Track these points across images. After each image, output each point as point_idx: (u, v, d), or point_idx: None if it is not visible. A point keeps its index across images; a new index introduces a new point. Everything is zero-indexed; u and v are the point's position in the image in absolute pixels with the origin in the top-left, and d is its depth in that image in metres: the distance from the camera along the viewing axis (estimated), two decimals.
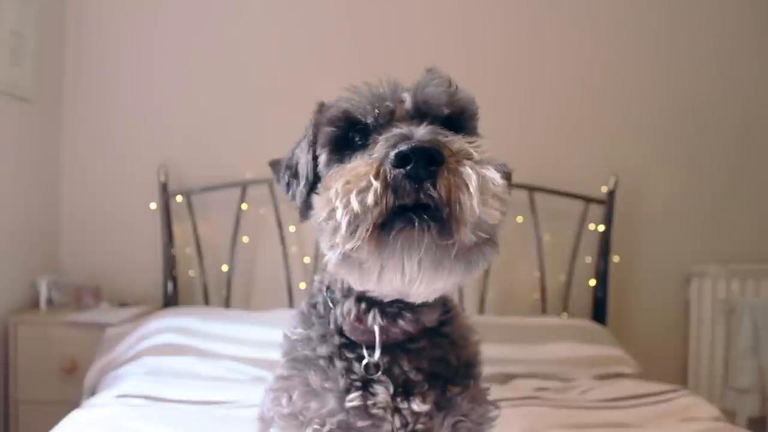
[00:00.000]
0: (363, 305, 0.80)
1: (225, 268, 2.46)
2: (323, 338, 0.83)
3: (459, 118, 0.78)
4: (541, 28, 2.60)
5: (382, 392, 0.79)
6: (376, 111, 0.74)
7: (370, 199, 0.63)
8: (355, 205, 0.63)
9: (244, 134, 2.52)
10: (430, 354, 0.82)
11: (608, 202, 2.46)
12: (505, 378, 1.93)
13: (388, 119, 0.75)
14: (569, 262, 2.49)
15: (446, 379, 0.82)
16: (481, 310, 2.45)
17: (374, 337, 0.80)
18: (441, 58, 2.81)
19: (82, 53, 2.53)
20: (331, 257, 0.68)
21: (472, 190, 0.63)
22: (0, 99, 2.14)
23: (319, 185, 0.75)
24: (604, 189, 2.48)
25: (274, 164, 0.92)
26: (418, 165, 0.63)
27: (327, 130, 0.79)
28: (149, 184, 2.44)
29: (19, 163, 2.28)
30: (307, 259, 2.48)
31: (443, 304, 0.87)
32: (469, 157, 0.66)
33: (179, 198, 2.46)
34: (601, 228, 2.47)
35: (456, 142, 0.67)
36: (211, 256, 2.49)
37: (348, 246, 0.65)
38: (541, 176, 2.44)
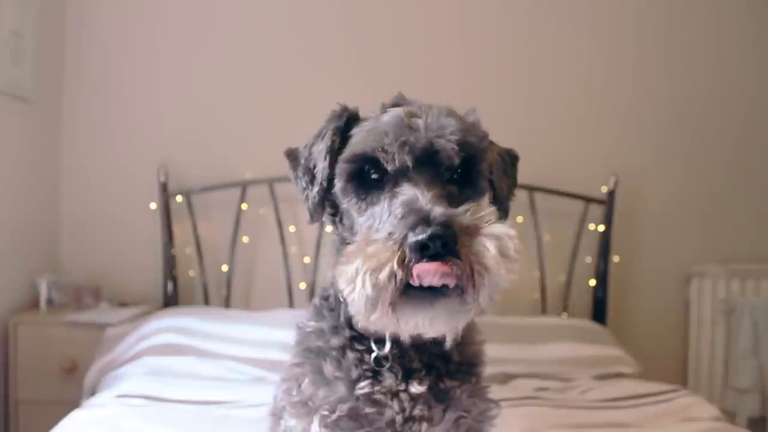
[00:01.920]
0: None
1: (225, 268, 2.46)
2: (335, 330, 0.87)
3: (471, 159, 0.82)
4: (541, 28, 2.59)
5: (388, 379, 0.83)
6: (396, 163, 0.78)
7: (384, 278, 0.69)
8: (368, 289, 0.69)
9: (244, 134, 2.52)
10: (433, 349, 0.85)
11: (608, 202, 2.46)
12: (505, 378, 1.94)
13: (403, 169, 0.78)
14: (569, 262, 2.49)
15: (445, 372, 0.85)
16: None
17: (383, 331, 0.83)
18: (441, 59, 2.82)
19: (82, 53, 2.52)
20: (359, 317, 0.74)
21: (491, 262, 0.70)
22: (0, 99, 2.14)
23: (337, 198, 0.84)
24: (604, 189, 2.48)
25: (291, 154, 0.93)
26: (438, 251, 0.68)
27: (344, 167, 0.82)
28: (149, 184, 2.44)
29: (19, 163, 2.28)
30: (307, 259, 2.48)
31: None
32: (483, 231, 0.71)
33: (179, 198, 2.46)
34: (601, 228, 2.47)
35: (467, 216, 0.71)
36: (211, 256, 2.49)
37: (373, 317, 0.71)
38: (541, 176, 2.44)
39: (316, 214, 0.88)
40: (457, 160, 0.80)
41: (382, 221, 0.75)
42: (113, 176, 2.52)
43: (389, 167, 0.78)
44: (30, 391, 2.14)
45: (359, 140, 0.82)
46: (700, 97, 2.61)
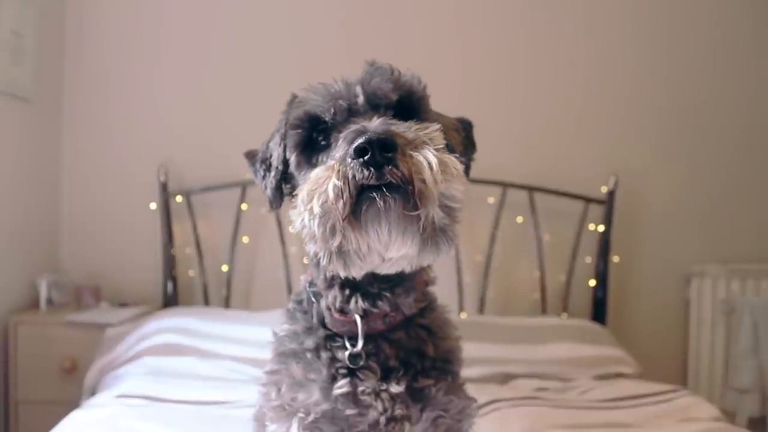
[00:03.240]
0: (347, 291, 0.84)
1: (225, 268, 2.46)
2: (309, 331, 0.87)
3: (410, 101, 0.83)
4: (541, 27, 2.59)
5: (370, 379, 0.81)
6: (332, 110, 0.79)
7: (331, 195, 0.68)
8: (316, 207, 0.69)
9: (244, 134, 2.50)
10: (407, 344, 0.85)
11: (608, 203, 2.46)
12: (505, 378, 1.94)
13: (346, 116, 0.79)
14: (569, 262, 2.49)
15: (420, 369, 0.84)
16: (481, 310, 2.45)
17: (356, 328, 0.83)
18: (439, 59, 2.82)
19: (82, 53, 2.53)
20: (323, 257, 0.72)
21: (433, 169, 0.68)
22: (0, 99, 2.14)
23: (294, 179, 0.84)
24: (604, 189, 2.48)
25: (250, 155, 0.97)
26: (375, 154, 0.67)
27: (292, 134, 0.84)
28: (149, 184, 2.44)
29: (19, 163, 2.28)
30: (306, 260, 2.47)
31: (422, 293, 0.89)
32: (426, 144, 0.70)
33: (179, 198, 2.46)
34: (601, 228, 2.47)
35: (410, 131, 0.71)
36: (211, 256, 2.49)
37: (335, 243, 0.70)
38: (541, 176, 2.44)
39: (275, 200, 0.90)
40: (394, 96, 0.81)
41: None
42: (113, 176, 2.52)
43: (327, 117, 0.79)
44: (30, 391, 2.14)
45: (300, 103, 0.85)
46: (700, 97, 2.61)
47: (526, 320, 2.30)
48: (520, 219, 2.49)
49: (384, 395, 0.81)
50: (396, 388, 0.81)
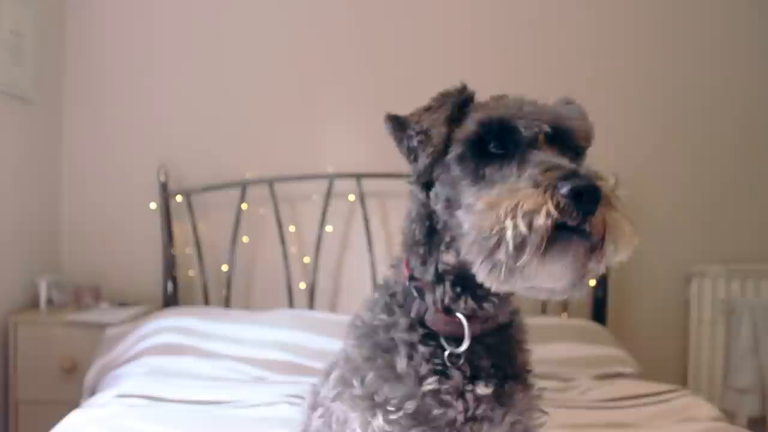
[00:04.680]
0: (457, 289, 0.84)
1: (225, 268, 2.46)
2: (406, 325, 0.86)
3: (585, 149, 0.88)
4: (542, 27, 2.59)
5: (456, 377, 0.82)
6: (532, 130, 0.79)
7: (541, 221, 0.68)
8: (522, 223, 0.69)
9: (244, 134, 2.52)
10: (498, 349, 0.87)
11: None
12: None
13: (533, 140, 0.79)
14: None
15: (507, 375, 0.86)
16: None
17: (457, 329, 0.84)
18: (443, 58, 2.80)
19: (82, 53, 2.53)
20: (484, 264, 0.72)
21: (626, 233, 0.74)
22: (0, 99, 2.14)
23: (448, 168, 0.82)
24: None
25: (395, 118, 0.90)
26: (589, 201, 0.70)
27: (469, 129, 0.81)
28: (149, 184, 2.44)
29: (19, 163, 2.28)
30: (306, 259, 2.48)
31: (512, 302, 0.91)
32: (618, 203, 0.74)
33: (179, 198, 2.46)
34: None
35: (607, 185, 0.74)
36: (211, 256, 2.49)
37: (519, 263, 0.70)
38: None
39: (425, 173, 0.85)
40: (584, 145, 0.85)
41: (511, 183, 0.74)
42: (113, 176, 2.52)
43: (526, 133, 0.78)
44: (30, 391, 2.14)
45: (493, 107, 0.83)
46: (700, 98, 2.61)
47: (526, 320, 2.29)
48: None
49: (469, 396, 0.82)
50: (484, 390, 0.82)
